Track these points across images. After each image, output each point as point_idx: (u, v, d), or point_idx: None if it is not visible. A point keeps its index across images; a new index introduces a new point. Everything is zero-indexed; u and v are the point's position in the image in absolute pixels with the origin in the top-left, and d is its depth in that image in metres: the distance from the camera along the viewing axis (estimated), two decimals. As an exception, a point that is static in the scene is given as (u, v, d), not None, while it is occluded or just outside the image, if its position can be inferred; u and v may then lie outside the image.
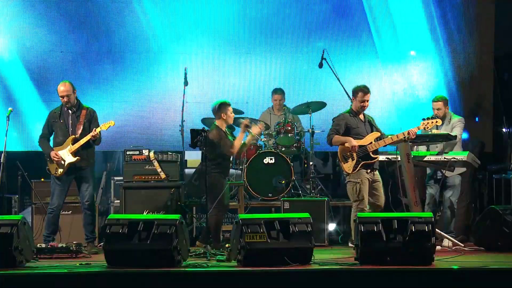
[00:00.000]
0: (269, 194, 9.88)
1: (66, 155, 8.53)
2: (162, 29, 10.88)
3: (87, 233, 8.70)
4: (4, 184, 9.87)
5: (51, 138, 8.74)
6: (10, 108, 8.85)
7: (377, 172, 8.57)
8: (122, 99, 10.90)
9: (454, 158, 8.85)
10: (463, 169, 9.17)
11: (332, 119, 8.62)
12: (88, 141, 8.53)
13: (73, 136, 8.57)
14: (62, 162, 8.52)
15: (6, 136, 8.76)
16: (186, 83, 9.93)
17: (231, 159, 8.95)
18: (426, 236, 7.37)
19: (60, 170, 8.53)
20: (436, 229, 8.07)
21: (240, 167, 10.09)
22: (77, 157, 8.51)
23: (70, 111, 8.62)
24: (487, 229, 8.73)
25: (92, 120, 8.68)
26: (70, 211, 9.34)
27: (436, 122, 8.56)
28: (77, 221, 9.14)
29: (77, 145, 8.53)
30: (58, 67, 10.72)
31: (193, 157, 10.81)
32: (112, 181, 10.31)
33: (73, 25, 10.76)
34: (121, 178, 9.79)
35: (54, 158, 8.47)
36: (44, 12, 10.71)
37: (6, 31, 10.70)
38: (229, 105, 8.75)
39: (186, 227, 7.84)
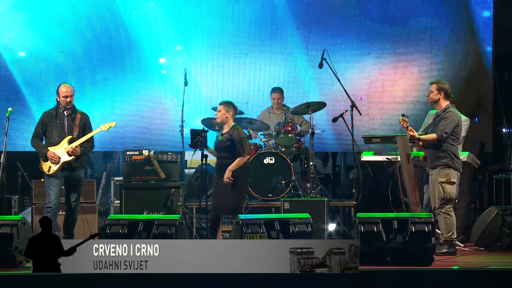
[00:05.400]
0: (269, 194, 9.87)
1: (62, 153, 8.50)
2: (162, 29, 10.87)
3: (66, 234, 8.63)
4: (4, 184, 9.87)
5: (44, 137, 8.66)
6: (10, 108, 8.82)
7: None
8: (122, 99, 10.89)
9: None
10: None
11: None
12: (82, 143, 8.53)
13: (71, 136, 8.54)
14: (58, 161, 8.50)
15: (5, 136, 8.75)
16: (186, 84, 9.93)
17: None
18: (426, 237, 7.38)
19: (54, 168, 8.49)
20: (436, 230, 8.06)
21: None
22: (73, 157, 8.49)
23: (65, 113, 8.59)
24: (487, 229, 8.73)
25: (86, 125, 8.68)
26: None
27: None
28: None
29: (75, 143, 8.49)
30: (58, 67, 10.71)
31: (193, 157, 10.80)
32: (112, 181, 10.31)
33: (74, 25, 10.75)
34: (121, 178, 9.79)
35: (52, 158, 8.45)
36: (45, 12, 10.70)
37: (6, 31, 10.69)
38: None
39: (186, 227, 7.84)
